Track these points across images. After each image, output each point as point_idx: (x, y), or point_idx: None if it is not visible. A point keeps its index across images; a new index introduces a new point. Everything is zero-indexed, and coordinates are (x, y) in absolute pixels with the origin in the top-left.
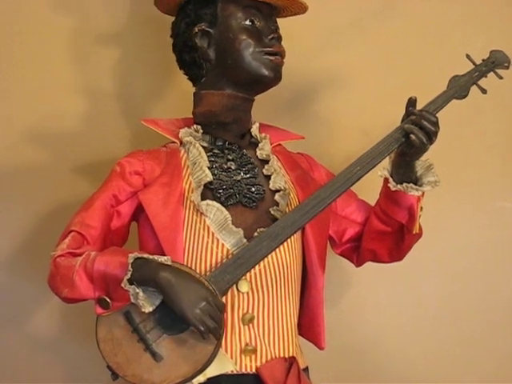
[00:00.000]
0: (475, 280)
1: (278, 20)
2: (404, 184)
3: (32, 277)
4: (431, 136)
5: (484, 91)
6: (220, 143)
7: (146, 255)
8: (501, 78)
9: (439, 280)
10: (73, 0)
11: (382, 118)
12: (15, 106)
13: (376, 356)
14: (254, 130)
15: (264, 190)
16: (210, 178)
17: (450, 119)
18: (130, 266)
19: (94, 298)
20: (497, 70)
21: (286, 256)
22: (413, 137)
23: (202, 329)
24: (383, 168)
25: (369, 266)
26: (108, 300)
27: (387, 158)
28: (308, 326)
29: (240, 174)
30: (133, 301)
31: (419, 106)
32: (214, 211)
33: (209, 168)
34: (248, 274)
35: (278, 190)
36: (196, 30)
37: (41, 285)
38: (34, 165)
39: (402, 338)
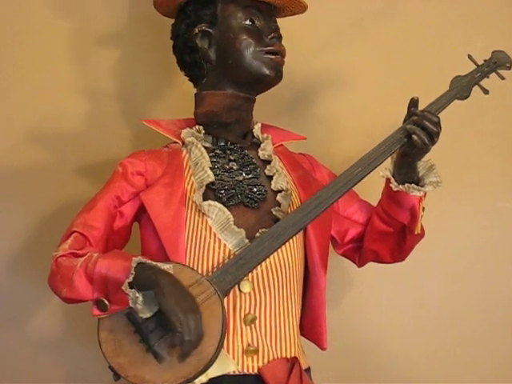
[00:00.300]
0: (476, 280)
1: (280, 20)
2: (406, 184)
3: (33, 277)
4: (433, 136)
5: (486, 92)
6: (222, 143)
7: (149, 261)
8: (503, 78)
9: (440, 280)
10: (73, 0)
11: (383, 119)
12: (15, 106)
13: (378, 356)
14: (256, 130)
15: (266, 191)
16: (211, 178)
17: (452, 119)
18: (132, 269)
19: (92, 299)
20: (499, 71)
21: (288, 256)
22: (415, 137)
23: (180, 330)
24: (385, 168)
25: (370, 266)
26: (106, 302)
27: (389, 158)
28: (310, 326)
29: (242, 174)
30: (131, 305)
31: (421, 106)
32: (216, 211)
33: (211, 168)
34: (250, 275)
35: (279, 191)
36: (196, 30)
37: (42, 285)
38: (35, 165)
39: (403, 339)
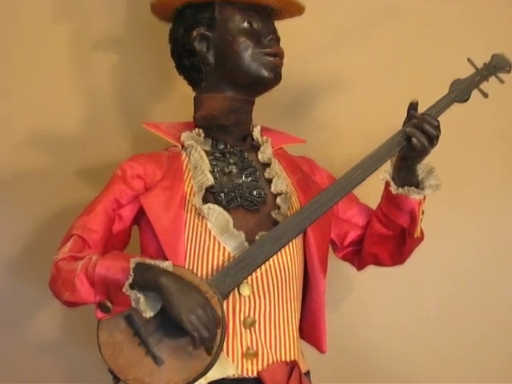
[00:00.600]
0: (476, 281)
1: (279, 23)
2: (405, 187)
3: (33, 280)
4: (433, 139)
5: (486, 95)
6: (222, 146)
7: (147, 260)
8: (502, 82)
9: (440, 281)
10: (73, 1)
11: (383, 122)
12: (15, 106)
13: (378, 359)
14: (256, 133)
15: (265, 194)
16: (211, 181)
17: (451, 120)
18: (131, 270)
19: (95, 303)
20: (498, 74)
21: (288, 259)
22: (414, 140)
23: (195, 335)
24: (384, 171)
25: (370, 269)
26: (109, 304)
27: (388, 161)
28: (309, 329)
29: (241, 177)
30: (134, 306)
31: (420, 109)
32: (216, 215)
33: (210, 172)
34: (249, 278)
35: (279, 194)
36: (194, 34)
37: (42, 288)
38: (35, 168)
39: (403, 340)
